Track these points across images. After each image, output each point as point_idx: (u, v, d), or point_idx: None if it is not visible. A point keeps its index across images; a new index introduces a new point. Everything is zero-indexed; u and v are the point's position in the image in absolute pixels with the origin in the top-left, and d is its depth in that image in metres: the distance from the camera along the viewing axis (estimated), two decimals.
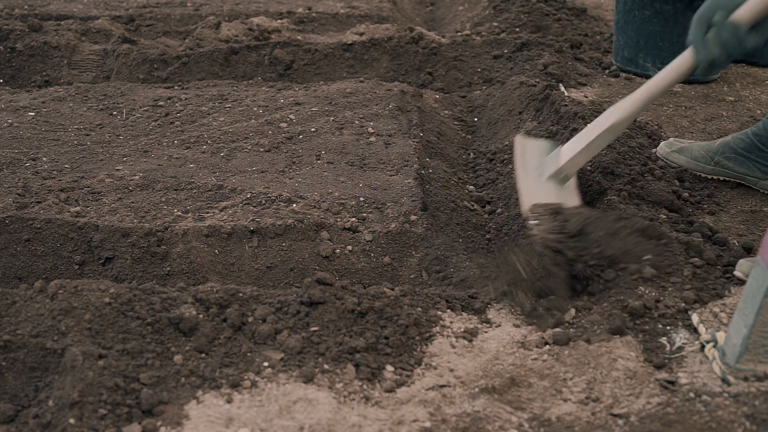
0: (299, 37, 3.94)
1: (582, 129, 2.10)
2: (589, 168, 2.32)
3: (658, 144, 2.61)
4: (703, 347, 1.60)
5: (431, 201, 2.36)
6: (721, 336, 1.56)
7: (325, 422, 1.45)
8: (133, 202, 2.30)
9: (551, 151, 2.14)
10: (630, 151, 2.49)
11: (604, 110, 2.81)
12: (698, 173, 2.44)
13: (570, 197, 2.10)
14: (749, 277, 1.48)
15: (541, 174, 2.10)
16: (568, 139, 2.49)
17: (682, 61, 1.88)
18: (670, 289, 1.78)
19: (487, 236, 2.38)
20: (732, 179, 2.40)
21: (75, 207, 2.27)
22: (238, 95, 3.13)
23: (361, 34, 3.78)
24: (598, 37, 3.94)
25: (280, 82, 3.43)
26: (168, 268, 2.11)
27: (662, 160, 2.48)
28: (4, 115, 2.96)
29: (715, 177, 2.42)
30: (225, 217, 2.21)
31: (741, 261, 1.89)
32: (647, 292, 1.76)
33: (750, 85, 3.33)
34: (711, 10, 1.77)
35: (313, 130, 2.78)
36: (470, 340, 1.70)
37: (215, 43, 3.72)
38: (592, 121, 2.54)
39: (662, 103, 3.09)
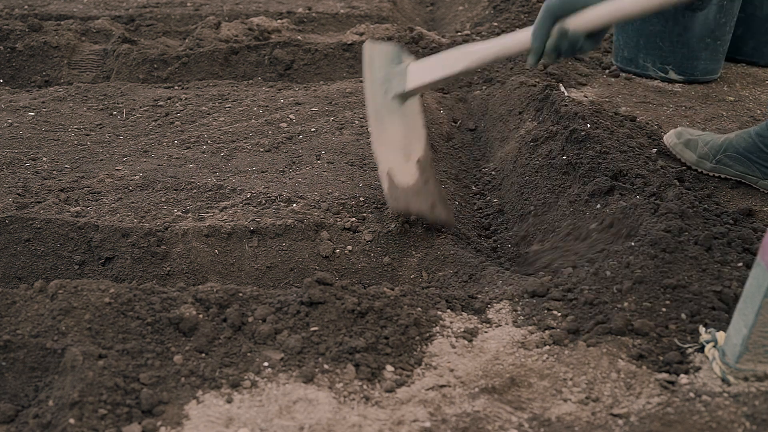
0: (299, 37, 3.95)
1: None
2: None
3: (658, 143, 2.61)
4: (703, 347, 1.60)
5: None
6: (721, 336, 1.56)
7: (325, 422, 1.45)
8: (133, 202, 2.30)
9: (398, 59, 2.17)
10: (630, 150, 2.49)
11: (604, 111, 2.82)
12: (698, 170, 2.45)
13: (414, 120, 2.21)
14: (749, 277, 1.48)
15: (387, 90, 2.15)
16: (567, 139, 2.49)
17: (520, 41, 1.96)
18: None
19: (487, 234, 2.38)
20: (731, 177, 2.40)
21: (75, 207, 2.27)
22: (238, 95, 3.13)
23: (361, 34, 3.78)
24: None
25: (280, 82, 3.43)
26: (168, 268, 2.11)
27: (669, 149, 2.49)
28: (4, 115, 2.96)
29: (714, 174, 2.42)
30: (225, 217, 2.21)
31: None
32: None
33: (750, 85, 3.33)
34: (563, 7, 1.83)
35: (313, 130, 2.78)
36: (470, 340, 1.69)
37: (215, 43, 3.72)
38: (591, 120, 2.54)
39: (662, 103, 3.09)
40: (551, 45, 1.86)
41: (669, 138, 2.52)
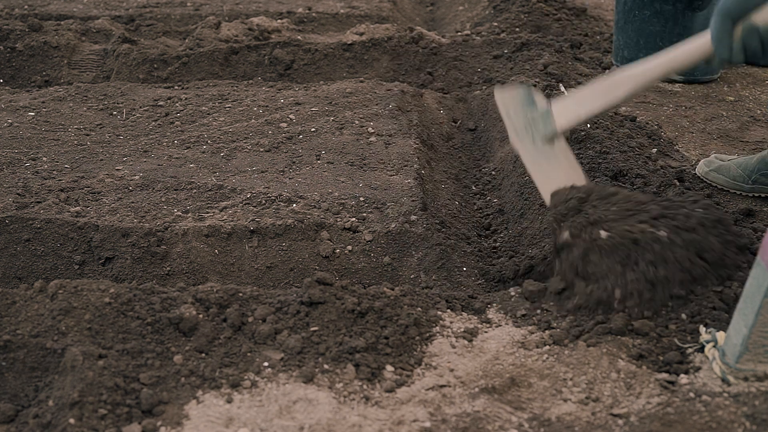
0: (299, 37, 3.95)
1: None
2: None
3: (658, 143, 2.60)
4: (703, 347, 1.60)
5: (431, 201, 2.36)
6: (721, 336, 1.56)
7: (325, 422, 1.45)
8: (133, 202, 2.30)
9: (529, 100, 2.04)
10: (630, 150, 2.49)
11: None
12: (737, 192, 2.40)
13: (569, 157, 2.03)
14: (749, 277, 1.48)
15: (534, 138, 2.00)
16: (567, 139, 2.48)
17: (699, 49, 1.83)
18: None
19: (487, 234, 2.38)
20: None
21: (75, 207, 2.27)
22: (238, 95, 3.13)
23: (361, 34, 3.78)
24: (598, 37, 3.94)
25: (280, 82, 3.43)
26: (168, 268, 2.11)
27: (701, 179, 2.45)
28: (4, 115, 2.96)
29: (754, 195, 2.38)
30: (225, 217, 2.21)
31: None
32: None
33: (750, 85, 3.33)
34: (741, 7, 1.73)
35: (313, 130, 2.78)
36: (470, 340, 1.69)
37: (215, 43, 3.73)
38: (591, 120, 2.52)
39: (662, 103, 3.09)
40: (739, 45, 1.74)
41: (700, 168, 2.47)
